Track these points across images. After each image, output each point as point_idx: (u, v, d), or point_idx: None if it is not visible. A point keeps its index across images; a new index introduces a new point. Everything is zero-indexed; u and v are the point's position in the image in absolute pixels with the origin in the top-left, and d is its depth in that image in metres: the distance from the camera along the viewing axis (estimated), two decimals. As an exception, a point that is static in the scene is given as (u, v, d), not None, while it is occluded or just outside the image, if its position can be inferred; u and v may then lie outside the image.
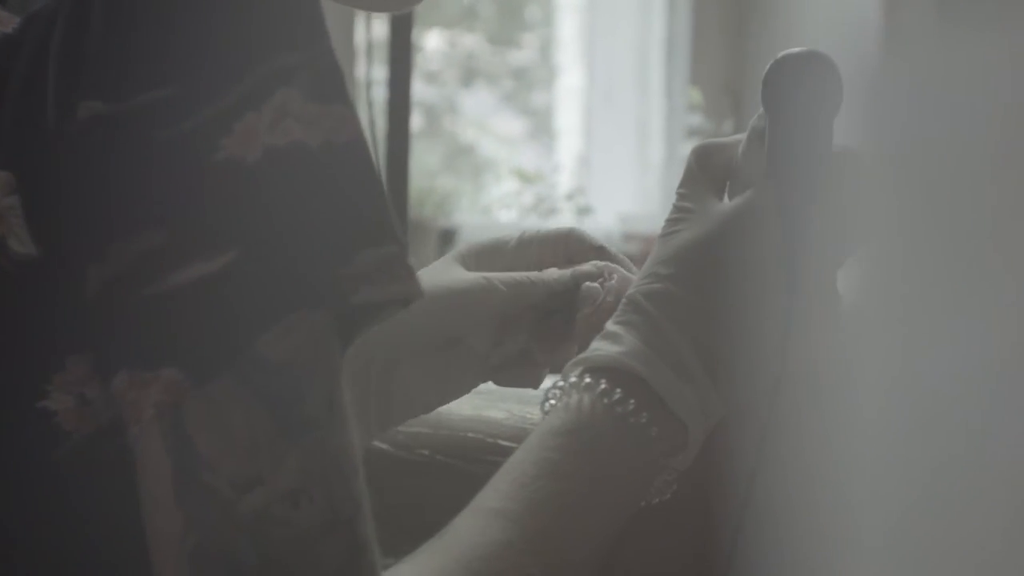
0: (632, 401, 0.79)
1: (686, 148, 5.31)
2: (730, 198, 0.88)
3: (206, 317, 0.65)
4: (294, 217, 0.66)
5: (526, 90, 4.91)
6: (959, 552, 0.53)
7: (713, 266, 0.82)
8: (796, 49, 0.85)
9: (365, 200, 0.68)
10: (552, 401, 0.82)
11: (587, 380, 0.80)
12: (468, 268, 0.94)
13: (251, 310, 0.65)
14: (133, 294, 0.65)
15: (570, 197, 4.84)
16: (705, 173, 0.88)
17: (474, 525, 0.76)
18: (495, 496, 0.77)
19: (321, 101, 0.67)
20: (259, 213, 0.66)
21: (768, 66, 0.84)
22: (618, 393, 0.79)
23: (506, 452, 0.77)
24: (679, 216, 0.86)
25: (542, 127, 4.94)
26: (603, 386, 0.80)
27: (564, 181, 4.85)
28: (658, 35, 5.19)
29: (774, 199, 0.83)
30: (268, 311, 0.66)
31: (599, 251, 0.92)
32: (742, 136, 0.90)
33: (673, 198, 0.89)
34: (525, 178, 4.52)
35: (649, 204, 5.17)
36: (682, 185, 0.89)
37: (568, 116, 5.02)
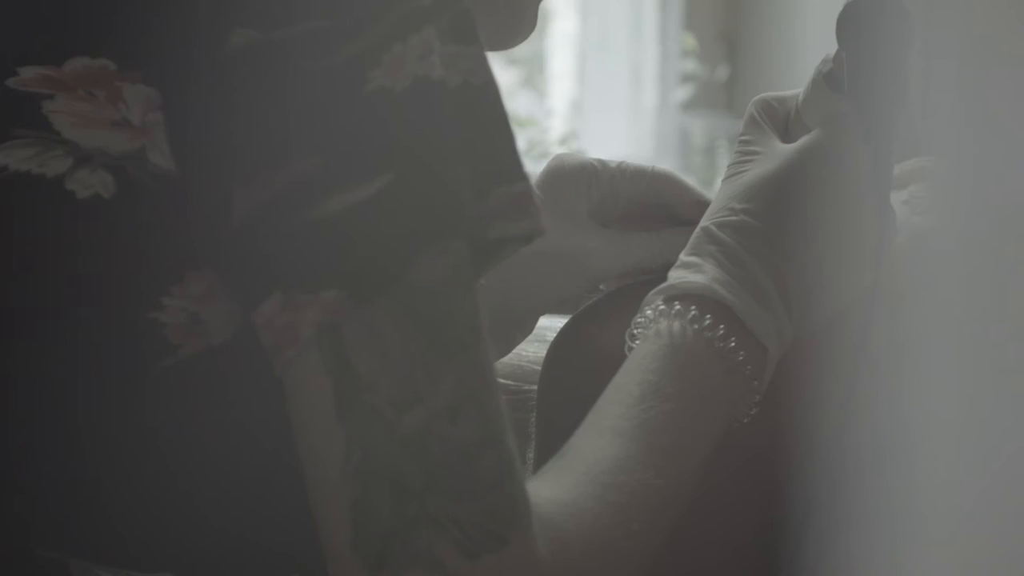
0: (721, 326, 0.82)
1: (680, 93, 5.32)
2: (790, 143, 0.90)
3: (365, 240, 0.67)
4: (439, 147, 0.68)
5: (520, 35, 4.90)
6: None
7: (788, 197, 0.85)
8: None
9: (499, 139, 0.70)
10: (639, 329, 0.84)
11: (677, 307, 0.82)
12: (558, 194, 0.94)
13: (406, 233, 0.67)
14: (288, 219, 0.67)
15: (563, 142, 4.84)
16: (767, 120, 0.91)
17: (593, 443, 0.78)
18: (606, 417, 0.79)
19: (459, 42, 0.69)
20: (409, 140, 0.68)
21: (846, 5, 0.86)
22: (708, 319, 0.82)
23: (503, 390, 0.79)
24: (745, 158, 0.88)
25: (535, 73, 4.93)
26: (693, 312, 0.82)
27: (557, 126, 4.85)
28: (652, -20, 5.18)
29: (858, 127, 0.86)
30: (421, 235, 0.67)
31: (700, 206, 0.92)
32: (797, 91, 0.92)
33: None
34: (518, 123, 4.52)
35: (642, 149, 5.17)
36: (745, 132, 0.91)
37: (561, 61, 5.01)
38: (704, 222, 0.86)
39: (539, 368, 0.97)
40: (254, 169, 0.67)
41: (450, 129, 0.69)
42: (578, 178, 0.93)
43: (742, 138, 0.90)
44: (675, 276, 0.84)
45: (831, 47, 0.88)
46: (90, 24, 0.70)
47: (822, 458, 0.84)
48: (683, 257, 0.85)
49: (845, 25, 0.85)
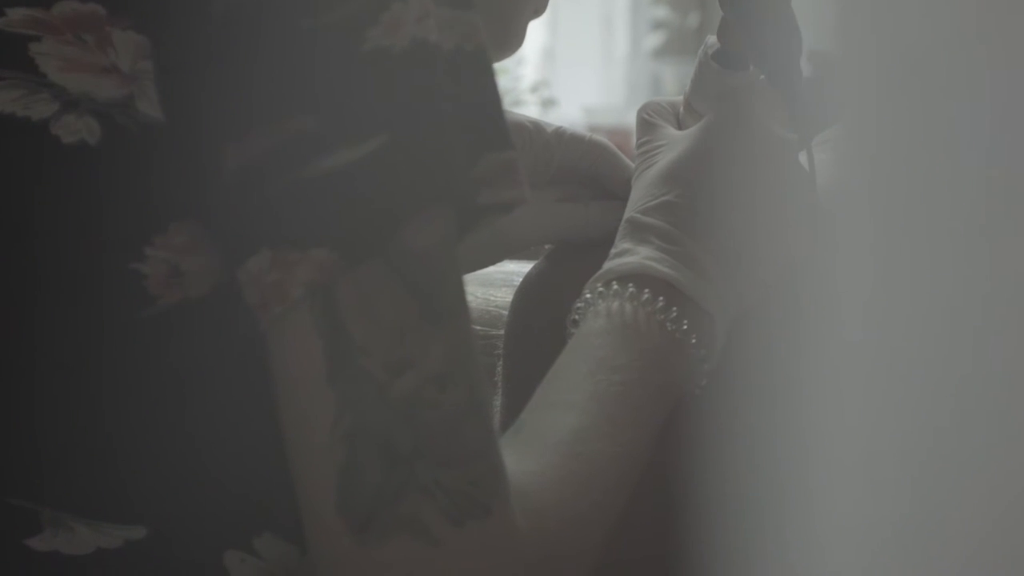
0: (661, 298, 0.81)
1: (652, 40, 5.31)
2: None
3: (358, 199, 0.66)
4: (435, 111, 0.68)
5: (491, -19, 4.89)
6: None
7: (705, 171, 0.85)
8: None
9: (489, 105, 0.70)
10: (578, 315, 0.83)
11: (615, 287, 0.81)
12: None
13: (399, 195, 0.66)
14: (280, 176, 0.66)
15: (534, 89, 4.83)
16: (658, 119, 0.91)
17: (548, 417, 0.78)
18: (557, 391, 0.79)
19: (454, 6, 0.69)
20: (405, 101, 0.67)
21: None
22: (646, 293, 0.81)
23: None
24: (649, 156, 0.89)
25: (507, 19, 4.91)
26: (631, 290, 0.81)
27: (528, 73, 4.84)
28: (624, -74, 5.16)
29: (758, 86, 0.87)
30: (414, 197, 0.67)
31: (629, 186, 0.90)
32: (678, 97, 0.94)
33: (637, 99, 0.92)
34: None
35: (613, 96, 5.17)
36: (641, 135, 0.91)
37: (533, 8, 4.99)
38: (627, 214, 0.86)
39: (506, 313, 0.97)
40: (247, 124, 0.67)
41: (444, 93, 0.68)
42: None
43: (640, 142, 0.90)
44: (609, 264, 0.83)
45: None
46: None
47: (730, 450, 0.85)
48: (613, 249, 0.84)
49: None
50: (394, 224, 0.66)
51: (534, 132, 0.93)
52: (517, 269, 1.01)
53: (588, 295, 0.83)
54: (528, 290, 0.96)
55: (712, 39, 0.90)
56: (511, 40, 0.88)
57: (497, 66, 0.83)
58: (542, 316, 0.92)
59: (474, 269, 0.97)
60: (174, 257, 0.68)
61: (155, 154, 0.68)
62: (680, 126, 0.91)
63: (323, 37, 0.66)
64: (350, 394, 0.66)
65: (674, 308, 0.82)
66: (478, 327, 0.86)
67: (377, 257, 0.66)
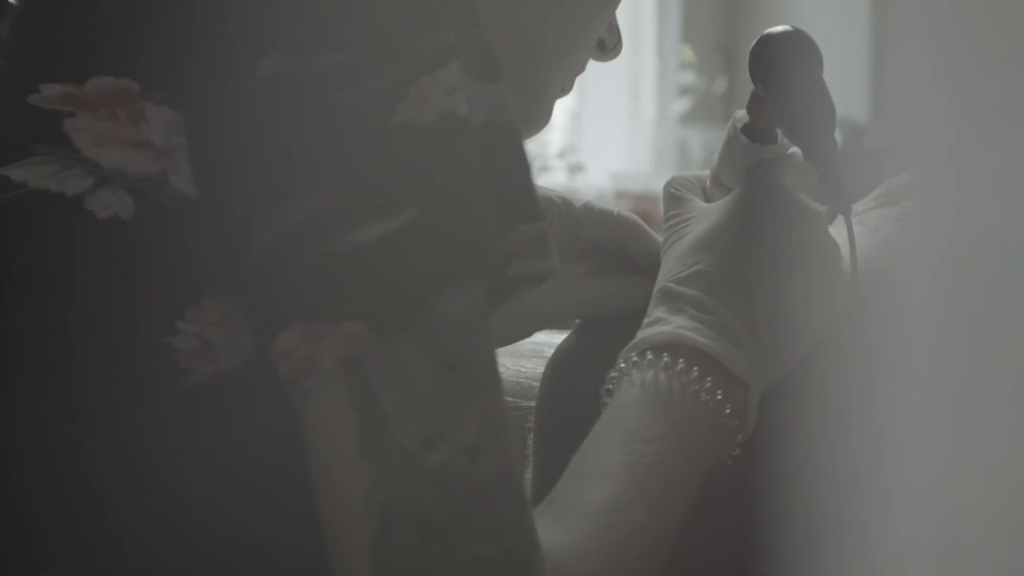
0: (695, 368, 0.82)
1: (678, 106, 5.32)
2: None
3: (389, 273, 0.66)
4: (465, 183, 0.68)
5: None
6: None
7: (738, 242, 0.85)
8: (773, 28, 0.90)
9: (519, 177, 0.70)
10: (612, 384, 0.84)
11: (649, 357, 0.82)
12: None
13: (431, 268, 0.67)
14: (312, 249, 0.66)
15: (561, 155, 4.84)
16: (686, 192, 0.92)
17: (583, 487, 0.78)
18: (592, 462, 0.79)
19: (483, 79, 0.70)
20: (436, 174, 0.67)
21: (754, 47, 0.88)
22: (681, 363, 0.82)
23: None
24: (679, 228, 0.89)
25: (534, 85, 4.93)
26: (665, 360, 0.82)
27: (556, 139, 4.85)
28: (650, -8, 5.18)
29: (789, 158, 0.88)
30: (446, 270, 0.67)
31: (658, 261, 0.91)
32: (704, 172, 0.95)
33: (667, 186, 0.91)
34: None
35: (641, 162, 5.17)
36: (668, 209, 0.92)
37: (560, 74, 5.00)
38: (659, 284, 0.86)
39: (537, 384, 0.96)
40: (279, 198, 0.67)
41: (474, 166, 0.69)
42: None
43: (668, 215, 0.90)
44: (643, 333, 0.84)
45: (829, 58, 0.89)
46: (114, 44, 0.70)
47: (801, 476, 0.84)
48: (646, 318, 0.85)
49: (759, 63, 0.88)
50: (425, 297, 0.67)
51: (563, 207, 0.94)
52: (547, 340, 1.01)
53: (622, 364, 0.83)
54: (558, 364, 0.96)
55: (741, 113, 0.90)
56: (539, 118, 0.88)
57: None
58: (572, 390, 0.92)
59: (504, 344, 0.97)
60: (206, 331, 0.69)
61: (187, 229, 0.69)
62: (707, 200, 0.91)
63: (353, 111, 0.67)
64: (383, 466, 0.66)
65: (708, 378, 0.81)
66: (509, 398, 0.85)
67: (409, 330, 0.66)
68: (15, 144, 0.70)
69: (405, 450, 0.66)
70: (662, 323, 0.83)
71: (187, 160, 0.68)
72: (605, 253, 0.94)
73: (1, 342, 0.70)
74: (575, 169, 4.82)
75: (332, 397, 0.67)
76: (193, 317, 0.68)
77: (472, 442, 0.67)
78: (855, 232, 0.87)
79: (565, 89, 0.90)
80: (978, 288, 0.53)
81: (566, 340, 0.96)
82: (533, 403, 0.97)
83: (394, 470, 0.67)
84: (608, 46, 0.91)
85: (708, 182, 0.93)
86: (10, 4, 0.77)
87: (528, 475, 0.95)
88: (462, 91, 0.68)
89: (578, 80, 0.91)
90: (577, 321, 0.96)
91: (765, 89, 0.88)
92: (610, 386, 0.83)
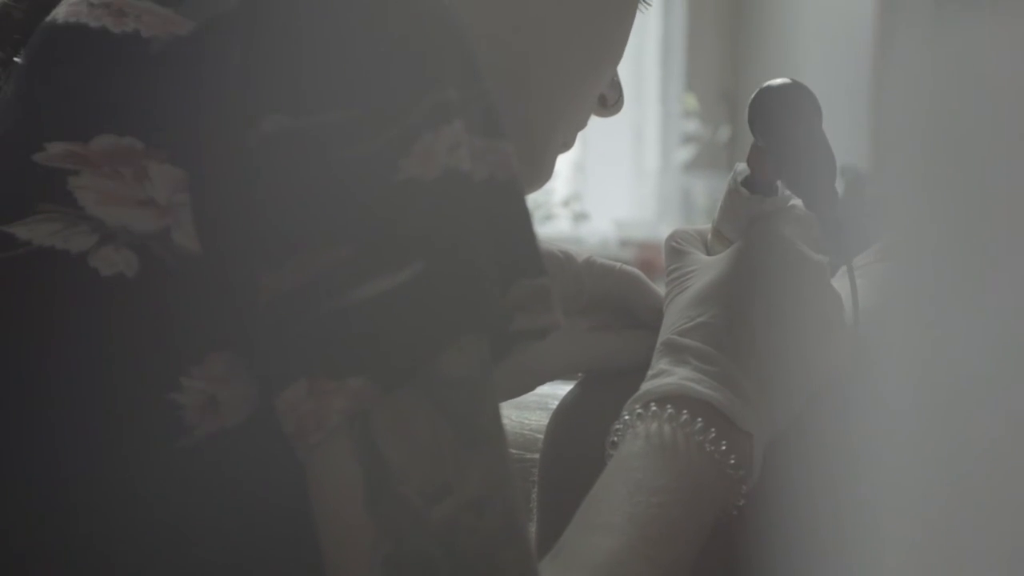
0: (700, 420, 0.82)
1: (682, 154, 5.33)
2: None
3: (393, 328, 0.67)
4: (468, 239, 0.69)
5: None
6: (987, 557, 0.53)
7: (740, 294, 0.86)
8: (771, 81, 0.90)
9: (521, 232, 0.71)
10: (616, 436, 0.84)
11: (653, 409, 0.82)
12: None
13: (435, 323, 0.67)
14: (316, 306, 0.67)
15: (566, 203, 4.85)
16: (686, 246, 0.92)
17: (587, 539, 0.78)
18: (597, 514, 0.80)
19: (486, 135, 0.70)
20: (439, 230, 0.68)
21: (753, 100, 0.89)
22: (685, 414, 0.82)
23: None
24: (680, 279, 0.90)
25: (538, 134, 4.94)
26: (669, 411, 0.82)
27: (560, 187, 4.86)
28: (654, 41, 5.20)
29: (789, 210, 0.88)
30: (448, 326, 0.68)
31: (661, 313, 0.91)
32: (706, 226, 0.95)
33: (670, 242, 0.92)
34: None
35: (645, 210, 5.18)
36: (669, 263, 0.92)
37: (564, 122, 5.01)
38: (663, 337, 0.86)
39: (541, 436, 0.96)
40: (282, 255, 0.67)
41: (477, 221, 0.69)
42: None
43: (670, 268, 0.90)
44: (647, 385, 0.84)
45: (826, 106, 0.89)
46: (118, 102, 0.70)
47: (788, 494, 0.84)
48: (651, 370, 0.85)
49: (758, 115, 0.88)
50: (430, 351, 0.67)
51: (565, 262, 0.94)
52: (551, 392, 1.01)
53: (626, 416, 0.83)
54: (562, 418, 0.96)
55: (741, 166, 0.90)
56: (541, 173, 0.89)
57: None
58: (576, 444, 0.93)
59: (507, 397, 0.97)
60: (211, 387, 0.69)
61: (191, 286, 0.69)
62: (709, 253, 0.91)
63: (356, 167, 0.67)
64: (388, 521, 0.66)
65: (713, 429, 0.82)
66: (513, 451, 0.85)
67: (413, 384, 0.67)
68: (20, 202, 0.70)
69: (410, 504, 0.66)
70: (666, 375, 0.84)
71: (190, 217, 0.69)
72: (607, 307, 0.95)
73: (4, 398, 0.70)
74: (579, 217, 4.83)
75: (336, 452, 0.67)
76: (198, 374, 0.69)
77: (477, 496, 0.67)
78: (857, 284, 0.87)
79: (567, 144, 0.91)
80: (973, 336, 0.53)
81: (570, 393, 0.96)
82: (537, 455, 0.96)
83: (399, 524, 0.67)
84: (610, 101, 0.92)
85: (710, 236, 0.93)
86: (15, 62, 0.78)
87: (532, 528, 0.95)
88: (465, 147, 0.69)
89: (582, 129, 0.92)
90: (580, 375, 0.96)
91: (765, 141, 0.88)
92: (615, 438, 0.83)
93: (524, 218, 0.71)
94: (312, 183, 0.67)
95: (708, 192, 4.99)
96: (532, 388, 0.96)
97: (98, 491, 0.69)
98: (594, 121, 0.94)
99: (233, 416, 0.69)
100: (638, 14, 0.92)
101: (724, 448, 0.81)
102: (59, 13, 0.74)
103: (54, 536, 0.69)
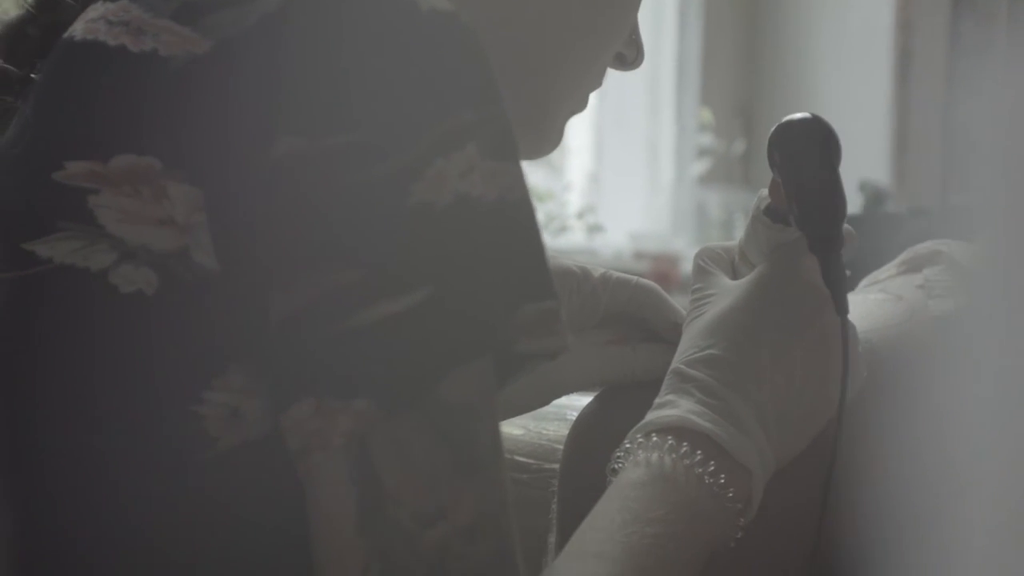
0: (699, 452, 0.82)
1: (697, 167, 5.33)
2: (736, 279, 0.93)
3: (400, 351, 0.67)
4: (475, 263, 0.69)
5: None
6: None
7: (750, 327, 0.85)
8: (793, 115, 0.91)
9: (530, 255, 0.71)
10: (617, 464, 0.85)
11: (654, 439, 0.82)
12: None
13: (439, 348, 0.68)
14: (325, 326, 0.67)
15: (580, 216, 4.84)
16: (713, 266, 0.93)
17: (579, 567, 0.78)
18: (590, 541, 0.79)
19: (497, 158, 0.70)
20: (449, 255, 0.69)
21: (772, 134, 0.89)
22: (685, 447, 0.82)
23: (523, 468, 0.78)
24: (701, 303, 0.90)
25: (553, 146, 4.93)
26: (670, 442, 0.82)
27: (575, 200, 4.86)
28: (669, 55, 5.20)
29: (806, 244, 0.88)
30: (453, 352, 0.68)
31: (678, 328, 0.91)
32: (734, 242, 0.96)
33: (690, 255, 0.92)
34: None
35: (659, 223, 5.18)
36: (696, 281, 0.92)
37: (579, 135, 5.03)
38: (674, 364, 0.86)
39: (559, 446, 0.96)
40: (294, 275, 0.68)
41: (486, 246, 0.70)
42: (559, 285, 0.93)
43: (694, 287, 0.91)
44: (651, 415, 0.84)
45: (844, 121, 0.89)
46: (138, 122, 0.71)
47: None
48: (658, 399, 0.85)
49: (776, 150, 0.88)
50: (434, 376, 0.67)
51: (581, 278, 0.94)
52: (569, 403, 1.01)
53: (628, 444, 0.84)
54: (581, 431, 0.96)
55: (764, 192, 0.91)
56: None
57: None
58: (595, 457, 0.93)
59: (524, 411, 0.98)
60: (233, 399, 0.69)
61: (211, 302, 0.69)
62: (735, 274, 0.92)
63: (368, 190, 0.68)
64: (379, 543, 0.67)
65: (712, 462, 0.82)
66: (531, 460, 0.85)
67: (414, 408, 0.67)
68: (40, 220, 0.71)
69: (402, 527, 0.67)
70: (670, 406, 0.84)
71: (208, 236, 0.69)
72: (624, 321, 0.95)
73: (28, 415, 0.70)
74: (594, 229, 4.82)
75: (334, 471, 0.67)
76: (220, 386, 0.69)
77: (470, 522, 0.68)
78: (876, 302, 0.87)
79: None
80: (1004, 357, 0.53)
81: (588, 406, 0.97)
82: (555, 465, 0.96)
83: (390, 546, 0.67)
84: (629, 59, 0.92)
85: (736, 256, 0.93)
86: (31, 79, 0.78)
87: (551, 539, 0.95)
88: (477, 172, 0.69)
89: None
90: (598, 388, 0.97)
91: (780, 177, 0.88)
92: (615, 465, 0.84)
93: (534, 240, 0.71)
94: (325, 205, 0.68)
95: (722, 205, 4.99)
96: (550, 401, 0.97)
97: (120, 503, 0.70)
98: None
99: (256, 429, 0.70)
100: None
101: (723, 481, 0.82)
102: (76, 31, 0.75)
103: (73, 550, 0.70)
